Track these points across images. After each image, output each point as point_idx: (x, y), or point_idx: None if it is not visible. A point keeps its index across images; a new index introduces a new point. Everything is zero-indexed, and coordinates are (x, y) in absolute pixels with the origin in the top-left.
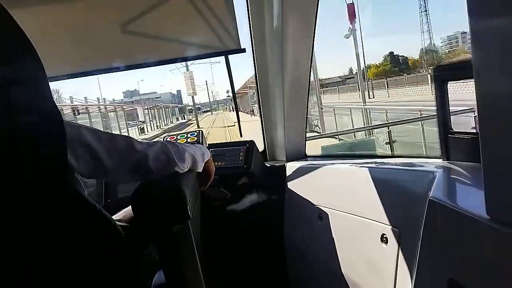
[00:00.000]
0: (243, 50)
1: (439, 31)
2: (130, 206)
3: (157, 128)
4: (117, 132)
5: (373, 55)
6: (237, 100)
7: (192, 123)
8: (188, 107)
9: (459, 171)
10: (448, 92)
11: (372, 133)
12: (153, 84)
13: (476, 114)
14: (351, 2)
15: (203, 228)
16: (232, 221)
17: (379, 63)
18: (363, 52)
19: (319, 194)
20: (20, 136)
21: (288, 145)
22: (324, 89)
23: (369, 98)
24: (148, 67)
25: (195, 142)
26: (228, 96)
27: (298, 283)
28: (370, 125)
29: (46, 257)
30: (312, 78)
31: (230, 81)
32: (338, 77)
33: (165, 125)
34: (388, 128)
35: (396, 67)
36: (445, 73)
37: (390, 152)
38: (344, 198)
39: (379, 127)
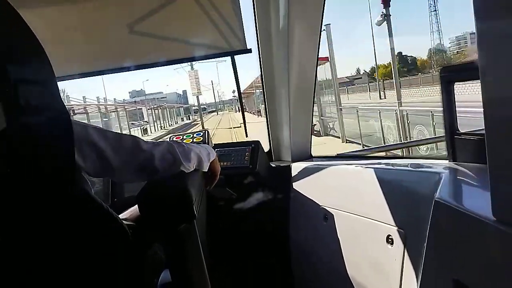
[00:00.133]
0: (249, 51)
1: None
2: (136, 205)
3: (161, 128)
4: None
5: (380, 55)
6: (243, 100)
7: (197, 124)
8: (193, 108)
9: (465, 172)
10: (455, 92)
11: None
12: (159, 84)
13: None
14: None
15: (208, 227)
16: (237, 221)
17: (387, 64)
18: (392, 45)
19: (324, 195)
20: (29, 136)
21: (293, 145)
22: (330, 89)
23: (380, 98)
24: (154, 67)
25: (201, 142)
26: (234, 96)
27: (303, 283)
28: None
29: (53, 256)
30: (329, 75)
31: (236, 81)
32: (346, 77)
33: (169, 125)
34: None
35: (404, 68)
36: (451, 74)
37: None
38: (350, 199)
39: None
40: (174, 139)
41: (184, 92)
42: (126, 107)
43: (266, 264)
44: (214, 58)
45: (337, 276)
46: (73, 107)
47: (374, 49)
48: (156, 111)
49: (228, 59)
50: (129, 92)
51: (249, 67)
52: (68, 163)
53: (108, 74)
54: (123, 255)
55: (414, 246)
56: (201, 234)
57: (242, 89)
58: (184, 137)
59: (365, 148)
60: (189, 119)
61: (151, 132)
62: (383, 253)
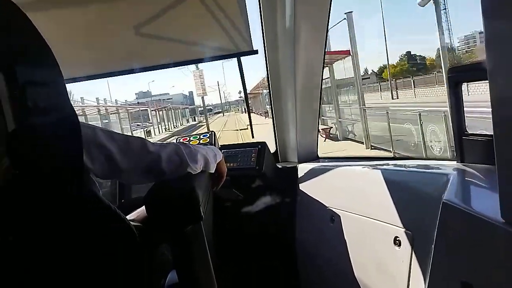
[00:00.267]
0: (256, 52)
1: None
2: (143, 207)
3: (166, 130)
4: None
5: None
6: (250, 101)
7: (203, 125)
8: (199, 109)
9: (473, 173)
10: (463, 93)
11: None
12: (165, 85)
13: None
14: None
15: (215, 228)
16: (243, 222)
17: (396, 63)
18: (447, 32)
19: (331, 196)
20: (37, 137)
21: (300, 146)
22: (346, 89)
23: (393, 98)
24: (160, 69)
25: (207, 143)
26: (240, 97)
27: (309, 285)
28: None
29: (61, 256)
30: (348, 73)
31: (242, 82)
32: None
33: (174, 127)
34: None
35: (413, 67)
36: (459, 75)
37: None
38: (357, 200)
39: None
40: (181, 140)
41: (190, 93)
42: (128, 108)
43: (272, 266)
44: (220, 59)
45: (344, 278)
46: None
47: (386, 47)
48: (161, 112)
49: (234, 58)
50: (136, 94)
51: (257, 68)
52: (77, 165)
53: (116, 76)
54: (131, 256)
55: (422, 248)
56: (208, 235)
57: (248, 89)
58: (191, 138)
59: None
60: (195, 121)
61: (154, 134)
62: (391, 255)
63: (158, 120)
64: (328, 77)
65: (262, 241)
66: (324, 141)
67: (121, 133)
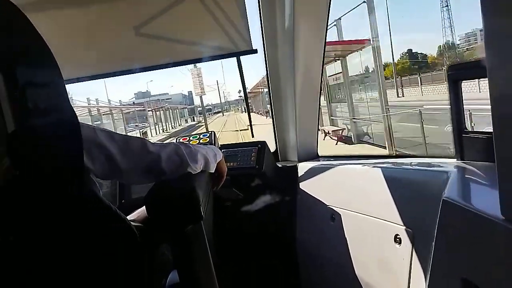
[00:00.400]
0: (255, 51)
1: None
2: (144, 207)
3: (163, 131)
4: None
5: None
6: (250, 100)
7: (203, 125)
8: (198, 108)
9: (473, 171)
10: (462, 91)
11: None
12: (164, 85)
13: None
14: None
15: (215, 228)
16: (244, 221)
17: (397, 61)
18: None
19: (331, 194)
20: (37, 138)
21: (300, 145)
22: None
23: (398, 96)
24: (160, 69)
25: (207, 143)
26: (240, 96)
27: (310, 284)
28: None
29: (61, 257)
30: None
31: (241, 82)
32: (355, 75)
33: (172, 127)
34: None
35: (415, 65)
36: (458, 73)
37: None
38: (357, 199)
39: None
40: (181, 140)
41: (190, 93)
42: (122, 109)
43: (273, 265)
44: (220, 59)
45: (345, 276)
46: None
47: (391, 44)
48: (158, 112)
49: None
50: (135, 94)
51: (257, 66)
52: (77, 165)
53: (116, 76)
54: (132, 256)
55: (422, 245)
56: (208, 235)
57: (248, 88)
58: (191, 138)
59: None
60: (194, 121)
61: (151, 136)
62: (391, 253)
63: (155, 121)
64: (341, 72)
65: (263, 240)
66: (336, 144)
67: (121, 133)
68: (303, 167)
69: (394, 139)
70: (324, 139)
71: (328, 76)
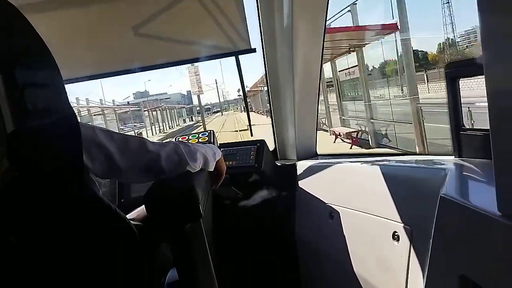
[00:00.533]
0: (254, 50)
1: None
2: (143, 206)
3: (160, 132)
4: None
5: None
6: (249, 99)
7: (201, 125)
8: (197, 108)
9: (471, 167)
10: (460, 88)
11: None
12: (163, 84)
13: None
14: None
15: (214, 226)
16: (243, 220)
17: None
18: None
19: (330, 193)
20: (37, 138)
21: (298, 143)
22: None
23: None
24: (158, 68)
25: (206, 142)
26: (239, 95)
27: (309, 281)
28: None
29: (61, 256)
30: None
31: (240, 81)
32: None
33: (169, 128)
34: None
35: (416, 63)
36: (456, 70)
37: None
38: (355, 196)
39: None
40: (180, 139)
41: (188, 92)
42: (116, 109)
43: (272, 263)
44: (218, 58)
45: (343, 273)
46: None
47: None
48: (154, 112)
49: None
50: (133, 94)
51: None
52: (77, 165)
53: (114, 76)
54: (131, 255)
55: (420, 242)
56: (208, 233)
57: (248, 87)
58: (190, 137)
59: None
60: (192, 120)
61: (147, 136)
62: (390, 250)
63: (152, 121)
64: (356, 65)
65: (262, 238)
66: (350, 147)
67: (120, 132)
68: (302, 166)
69: (427, 143)
70: (334, 142)
71: (339, 71)
